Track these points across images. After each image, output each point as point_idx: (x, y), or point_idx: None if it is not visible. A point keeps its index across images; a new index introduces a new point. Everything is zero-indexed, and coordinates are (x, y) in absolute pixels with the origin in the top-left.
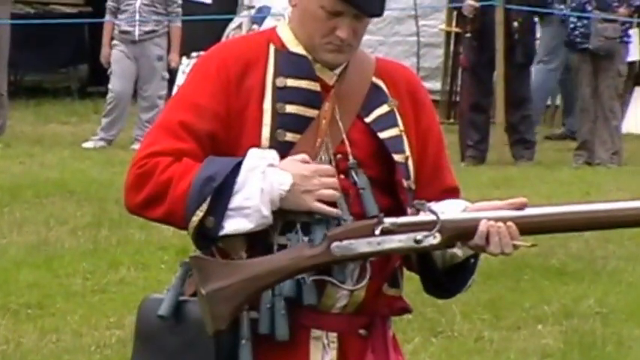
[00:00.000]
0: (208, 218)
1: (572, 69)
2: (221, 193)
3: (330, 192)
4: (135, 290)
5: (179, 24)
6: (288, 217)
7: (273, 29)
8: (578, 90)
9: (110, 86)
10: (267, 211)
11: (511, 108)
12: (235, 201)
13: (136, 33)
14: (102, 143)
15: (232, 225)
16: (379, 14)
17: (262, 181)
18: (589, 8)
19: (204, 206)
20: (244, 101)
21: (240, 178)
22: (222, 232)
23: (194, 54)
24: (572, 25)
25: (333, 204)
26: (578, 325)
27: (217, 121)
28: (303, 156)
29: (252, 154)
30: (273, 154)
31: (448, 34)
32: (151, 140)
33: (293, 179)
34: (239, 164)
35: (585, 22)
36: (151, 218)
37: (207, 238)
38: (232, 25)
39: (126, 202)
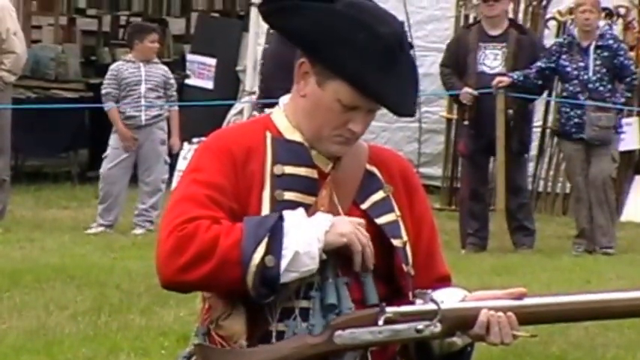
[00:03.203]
0: (268, 257)
1: (566, 158)
2: (274, 232)
3: (366, 234)
4: None
5: (177, 108)
6: (288, 303)
7: (267, 116)
8: (572, 179)
9: (101, 171)
10: (317, 245)
11: (509, 195)
12: (287, 241)
13: (143, 118)
14: (102, 229)
15: (288, 258)
16: (413, 114)
17: (307, 221)
18: (582, 98)
19: (263, 244)
20: (248, 187)
21: (287, 222)
22: (282, 269)
23: (195, 139)
24: (565, 116)
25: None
26: None
27: (234, 198)
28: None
29: (287, 212)
30: (302, 210)
31: (449, 120)
32: (182, 210)
33: (332, 219)
34: (281, 215)
35: (579, 112)
36: (195, 280)
37: (268, 282)
38: (233, 110)
39: (164, 270)
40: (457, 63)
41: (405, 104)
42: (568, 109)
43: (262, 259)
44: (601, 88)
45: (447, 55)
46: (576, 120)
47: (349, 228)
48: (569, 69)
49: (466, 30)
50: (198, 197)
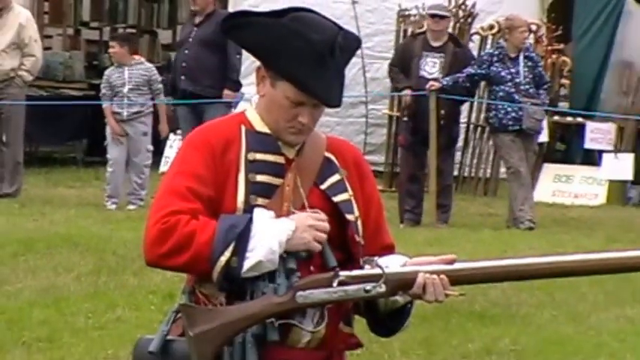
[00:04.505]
0: (233, 259)
1: (503, 148)
2: (241, 237)
3: (323, 235)
4: (129, 328)
5: (162, 99)
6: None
7: (242, 113)
8: (517, 168)
9: (108, 155)
10: (276, 249)
11: (437, 178)
12: (252, 243)
13: (125, 113)
14: (113, 207)
15: (250, 263)
16: (338, 105)
17: (272, 227)
18: (517, 97)
19: (230, 248)
20: (226, 172)
21: (254, 226)
22: (243, 270)
23: (179, 131)
24: (503, 112)
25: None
26: None
27: (212, 186)
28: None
29: (257, 210)
30: (271, 213)
31: (390, 117)
32: (165, 203)
33: (296, 224)
34: (251, 217)
35: (516, 107)
36: (172, 266)
37: (229, 277)
38: None
39: (148, 255)
40: (403, 65)
41: (332, 98)
42: (506, 106)
43: (228, 260)
44: (531, 90)
45: (396, 57)
46: (513, 114)
47: (308, 236)
48: (503, 74)
49: (412, 38)
50: (181, 190)
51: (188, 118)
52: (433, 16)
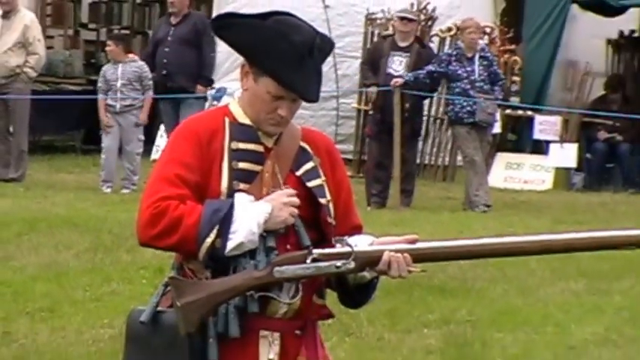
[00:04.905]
0: (217, 240)
1: (460, 139)
2: (224, 220)
3: (295, 210)
4: (123, 300)
5: (151, 94)
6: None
7: (226, 106)
8: (472, 157)
9: (102, 144)
10: (256, 231)
11: (400, 165)
12: (234, 226)
13: (117, 106)
14: (109, 190)
15: (233, 244)
16: (316, 100)
17: (252, 210)
18: (472, 93)
19: (215, 230)
20: (211, 160)
21: (236, 210)
22: (227, 250)
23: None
24: (459, 106)
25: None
26: (454, 330)
27: (199, 173)
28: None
29: (238, 195)
30: (251, 197)
31: (359, 110)
32: (157, 189)
33: (272, 206)
34: (233, 202)
35: (471, 102)
36: (162, 246)
37: (214, 256)
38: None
39: (141, 236)
40: (372, 63)
41: (310, 93)
42: (462, 101)
43: (213, 242)
44: (485, 87)
45: (367, 57)
46: (468, 109)
47: (284, 213)
48: (460, 72)
49: (382, 39)
50: (170, 177)
51: (169, 111)
52: (402, 18)
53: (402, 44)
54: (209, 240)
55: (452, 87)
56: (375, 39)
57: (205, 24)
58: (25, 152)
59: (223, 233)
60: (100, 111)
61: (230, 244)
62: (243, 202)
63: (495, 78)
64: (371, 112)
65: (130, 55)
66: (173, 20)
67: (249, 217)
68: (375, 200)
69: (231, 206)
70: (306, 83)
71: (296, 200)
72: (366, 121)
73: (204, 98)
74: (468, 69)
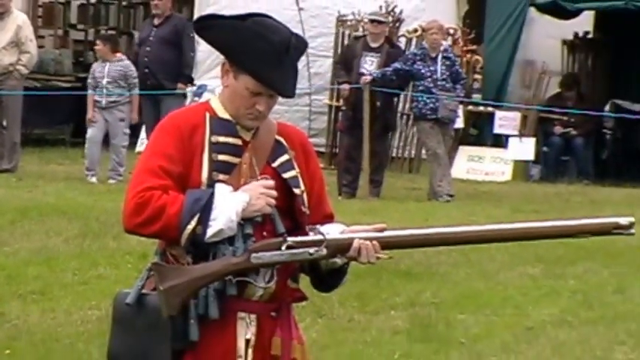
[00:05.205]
0: (198, 227)
1: (423, 133)
2: (205, 209)
3: (272, 200)
4: (109, 283)
5: (137, 91)
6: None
7: (207, 102)
8: (434, 151)
9: (87, 136)
10: (234, 219)
11: (372, 159)
12: (214, 214)
13: (104, 102)
14: (94, 179)
15: (213, 231)
16: (292, 96)
17: (230, 199)
18: (434, 91)
19: (196, 218)
20: (193, 153)
21: (215, 199)
22: (207, 237)
23: None
24: (422, 103)
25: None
26: (419, 311)
27: (181, 164)
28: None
29: (218, 185)
30: (230, 188)
31: (330, 106)
32: (141, 179)
33: (250, 196)
34: (213, 192)
35: (434, 99)
36: (146, 234)
37: (195, 242)
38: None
39: (126, 224)
40: (346, 63)
41: (287, 89)
42: (425, 98)
43: (193, 229)
44: (447, 85)
45: (341, 56)
46: (431, 105)
47: (261, 202)
48: (423, 71)
49: (356, 41)
50: (154, 168)
51: (149, 107)
52: (373, 21)
53: (374, 45)
54: (190, 227)
55: (416, 85)
56: (346, 39)
57: (185, 25)
58: (18, 145)
59: (203, 221)
60: (88, 106)
61: (210, 231)
62: (222, 191)
63: (457, 77)
64: (343, 108)
65: (118, 55)
66: (156, 21)
67: (229, 205)
68: (346, 190)
69: (212, 195)
70: (283, 80)
71: (273, 192)
72: (338, 117)
73: (184, 95)
74: (431, 68)
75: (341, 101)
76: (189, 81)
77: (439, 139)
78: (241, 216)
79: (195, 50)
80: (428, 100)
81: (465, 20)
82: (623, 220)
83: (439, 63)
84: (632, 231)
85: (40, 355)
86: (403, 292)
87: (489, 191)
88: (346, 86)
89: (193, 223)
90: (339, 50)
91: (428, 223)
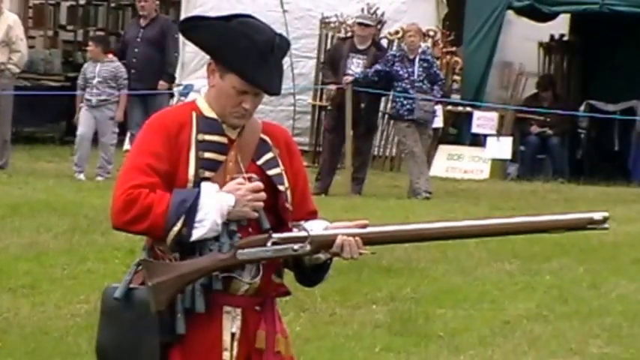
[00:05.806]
0: (183, 229)
1: (401, 133)
2: (190, 211)
3: (259, 204)
4: (97, 277)
5: (125, 91)
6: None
7: (194, 101)
8: (411, 149)
9: (77, 132)
10: (219, 222)
11: (355, 157)
12: (199, 216)
13: (94, 101)
14: (81, 176)
15: (198, 233)
16: (278, 93)
17: (216, 202)
18: (411, 92)
19: (181, 220)
20: (180, 150)
21: (201, 201)
22: (192, 239)
23: None
24: (399, 104)
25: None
26: (400, 306)
27: (168, 162)
28: (240, 179)
29: (204, 185)
30: (216, 187)
31: (314, 106)
32: (129, 177)
33: (235, 198)
34: (199, 192)
35: (410, 101)
36: (133, 231)
37: (180, 243)
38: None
39: (114, 221)
40: (332, 64)
41: (272, 87)
42: (402, 99)
43: (179, 230)
44: (424, 86)
45: (327, 58)
46: (408, 107)
47: (247, 209)
48: (401, 72)
49: (342, 42)
50: (142, 166)
51: (136, 107)
52: (360, 24)
53: (360, 47)
54: (176, 229)
55: (394, 86)
56: (329, 41)
57: (170, 26)
58: (9, 142)
59: (189, 223)
60: (77, 104)
61: (195, 233)
62: (209, 191)
63: (435, 78)
64: (329, 108)
65: (109, 56)
66: (142, 22)
67: (214, 209)
68: (317, 185)
69: (197, 196)
70: (268, 78)
71: (262, 195)
72: (321, 116)
73: (171, 95)
74: (409, 69)
75: (325, 101)
76: (172, 79)
77: (416, 138)
78: (227, 217)
79: (179, 50)
80: (405, 102)
81: (444, 22)
82: (597, 215)
83: (417, 65)
84: (606, 226)
85: (30, 348)
86: (384, 287)
87: (468, 189)
88: (333, 87)
89: (179, 224)
90: (323, 51)
91: (408, 220)
